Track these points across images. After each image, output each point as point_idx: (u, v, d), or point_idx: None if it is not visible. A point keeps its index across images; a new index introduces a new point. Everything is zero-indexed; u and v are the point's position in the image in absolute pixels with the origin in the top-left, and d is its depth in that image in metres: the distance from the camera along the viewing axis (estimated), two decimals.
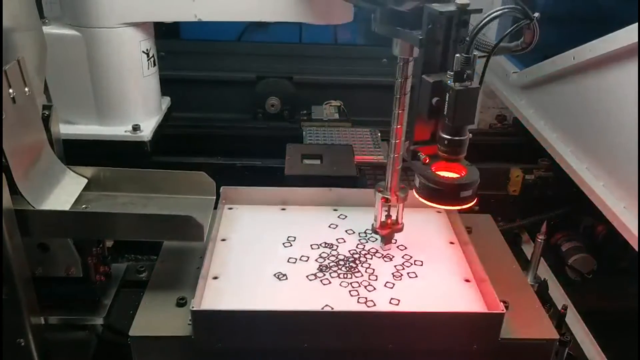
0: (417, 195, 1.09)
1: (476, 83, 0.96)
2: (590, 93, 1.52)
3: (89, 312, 1.20)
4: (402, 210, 1.24)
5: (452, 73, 0.95)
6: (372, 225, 1.26)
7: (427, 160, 1.07)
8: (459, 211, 1.37)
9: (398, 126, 1.15)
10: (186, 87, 2.18)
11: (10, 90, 1.02)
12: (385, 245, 1.26)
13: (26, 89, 1.08)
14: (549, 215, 1.77)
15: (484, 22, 0.93)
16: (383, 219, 1.24)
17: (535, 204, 1.83)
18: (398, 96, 1.13)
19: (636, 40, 1.27)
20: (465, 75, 0.94)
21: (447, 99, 0.96)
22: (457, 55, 0.94)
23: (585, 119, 1.55)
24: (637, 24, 1.25)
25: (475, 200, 1.08)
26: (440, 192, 1.05)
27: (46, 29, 1.23)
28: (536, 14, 0.97)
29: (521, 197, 1.83)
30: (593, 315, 1.63)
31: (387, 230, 1.24)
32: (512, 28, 0.98)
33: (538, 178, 1.82)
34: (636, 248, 1.30)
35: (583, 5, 2.00)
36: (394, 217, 1.24)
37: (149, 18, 1.43)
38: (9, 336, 1.08)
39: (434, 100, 0.98)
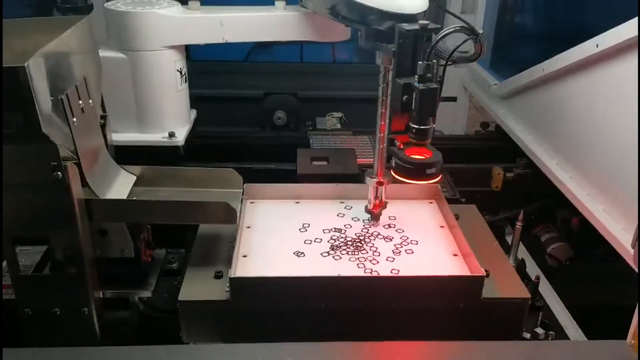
0: (393, 174, 1.37)
1: (435, 84, 1.20)
2: (557, 99, 1.76)
3: (138, 287, 1.40)
4: (385, 190, 1.49)
5: (417, 77, 1.19)
6: (366, 207, 1.51)
7: (401, 146, 1.34)
8: (448, 202, 1.60)
9: (382, 123, 1.41)
10: (200, 104, 2.41)
11: (80, 102, 1.25)
12: (375, 222, 1.51)
13: (90, 101, 1.31)
14: (528, 208, 1.98)
15: (439, 37, 1.19)
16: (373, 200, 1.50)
17: (516, 198, 2.02)
18: (383, 98, 1.39)
19: (590, 54, 1.52)
20: (427, 78, 1.19)
21: (414, 97, 1.21)
22: (420, 62, 1.18)
23: (553, 122, 1.78)
24: (588, 41, 1.50)
25: (439, 177, 1.35)
26: (411, 170, 1.33)
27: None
28: (481, 31, 1.21)
29: (503, 193, 2.03)
30: (569, 296, 1.83)
31: (378, 209, 1.50)
32: (461, 43, 1.23)
33: (517, 175, 2.02)
34: (597, 227, 1.53)
35: (550, 26, 2.26)
36: (380, 198, 1.49)
37: (185, 42, 1.68)
38: (76, 305, 1.29)
39: (404, 98, 1.22)
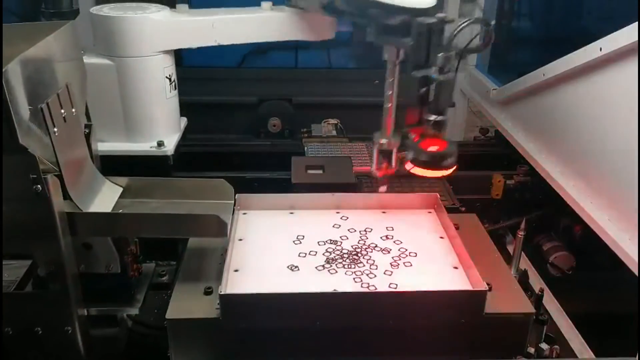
0: (410, 168, 1.40)
1: (452, 75, 1.26)
2: (559, 105, 1.71)
3: (125, 304, 1.35)
4: (396, 155, 1.49)
5: (435, 69, 1.24)
6: (371, 170, 1.52)
7: (417, 139, 1.37)
8: (448, 211, 1.55)
9: (389, 104, 1.42)
10: (192, 111, 2.37)
11: (62, 111, 1.20)
12: (380, 187, 1.51)
13: (73, 110, 1.26)
14: (530, 216, 1.93)
15: (458, 29, 1.25)
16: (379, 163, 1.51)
17: (517, 206, 1.97)
18: (389, 93, 1.40)
19: (593, 57, 1.47)
20: (445, 70, 1.24)
21: (433, 88, 1.26)
22: (440, 54, 1.22)
23: (555, 128, 1.74)
24: (591, 45, 1.46)
25: (455, 167, 1.39)
26: (426, 162, 1.36)
27: (84, 59, 1.41)
28: (492, 22, 1.27)
29: (503, 201, 1.98)
30: (572, 306, 1.79)
31: (382, 172, 1.51)
32: (475, 35, 1.31)
33: (518, 182, 1.97)
34: (603, 237, 1.48)
35: (550, 30, 2.23)
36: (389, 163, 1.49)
37: (175, 46, 1.63)
38: (59, 324, 1.23)
39: (422, 90, 1.28)
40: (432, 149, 1.34)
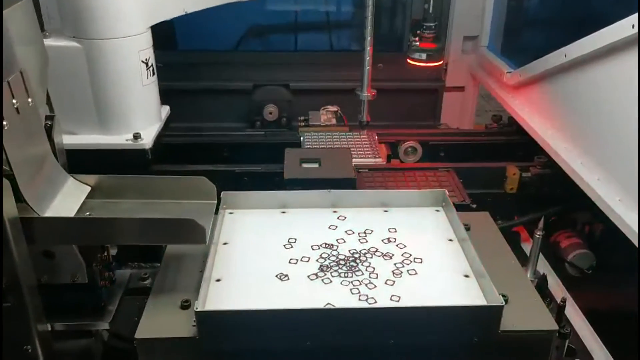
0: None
1: None
2: (582, 89, 1.56)
3: (94, 317, 1.21)
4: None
5: None
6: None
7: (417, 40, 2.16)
8: (457, 209, 1.39)
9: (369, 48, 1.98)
10: (184, 98, 2.23)
11: (14, 101, 1.05)
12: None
13: (29, 100, 1.11)
14: (547, 212, 1.78)
15: None
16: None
17: (533, 201, 1.84)
18: (369, 16, 1.90)
19: (625, 35, 1.30)
20: None
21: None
22: None
23: (578, 115, 1.59)
24: (623, 21, 1.29)
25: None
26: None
27: (47, 42, 1.26)
28: None
29: (519, 195, 1.84)
30: (593, 309, 1.65)
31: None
32: None
33: (535, 175, 1.83)
34: (632, 238, 1.32)
35: (572, 6, 2.05)
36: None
37: (148, 23, 1.48)
38: (16, 343, 1.10)
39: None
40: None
